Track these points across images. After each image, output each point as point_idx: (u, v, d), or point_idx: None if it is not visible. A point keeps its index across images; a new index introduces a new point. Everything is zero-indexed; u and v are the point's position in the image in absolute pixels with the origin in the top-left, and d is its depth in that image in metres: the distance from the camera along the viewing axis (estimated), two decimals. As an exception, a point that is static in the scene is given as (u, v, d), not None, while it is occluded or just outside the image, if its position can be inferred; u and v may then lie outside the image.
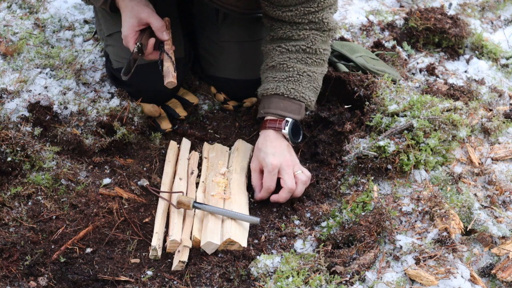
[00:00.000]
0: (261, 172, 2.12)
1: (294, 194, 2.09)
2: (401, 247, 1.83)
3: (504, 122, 2.33)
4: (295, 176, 2.09)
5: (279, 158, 2.09)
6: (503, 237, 1.89)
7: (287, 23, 2.17)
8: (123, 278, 1.84)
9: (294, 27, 2.17)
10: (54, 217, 2.00)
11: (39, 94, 2.35)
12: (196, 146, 2.37)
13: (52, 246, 1.91)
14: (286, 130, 2.14)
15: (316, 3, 2.12)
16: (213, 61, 2.47)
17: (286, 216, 2.10)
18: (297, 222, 2.07)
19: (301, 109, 2.18)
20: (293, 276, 1.78)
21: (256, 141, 2.18)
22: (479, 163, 2.17)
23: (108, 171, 2.23)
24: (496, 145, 2.26)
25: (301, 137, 2.24)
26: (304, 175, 2.11)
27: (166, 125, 2.41)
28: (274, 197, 2.09)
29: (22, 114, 2.25)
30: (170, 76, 2.03)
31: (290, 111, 2.16)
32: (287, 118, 2.15)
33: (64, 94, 2.39)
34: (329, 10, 2.18)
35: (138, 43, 2.04)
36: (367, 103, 2.35)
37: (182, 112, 2.45)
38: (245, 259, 1.90)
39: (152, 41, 2.08)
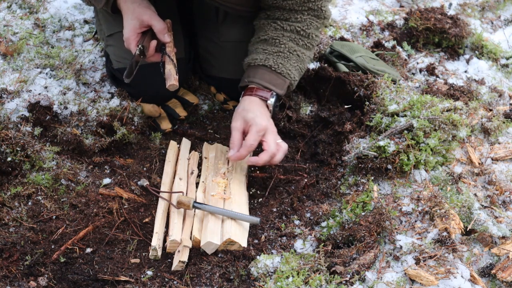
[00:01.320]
0: (243, 132, 2.12)
1: (273, 161, 2.10)
2: (401, 247, 1.83)
3: (504, 122, 2.33)
4: (277, 143, 2.11)
5: (266, 122, 2.11)
6: (503, 237, 1.89)
7: (286, 9, 2.21)
8: (123, 278, 1.84)
9: (292, 11, 2.21)
10: (54, 217, 2.00)
11: (39, 94, 2.35)
12: (196, 146, 2.37)
13: (52, 246, 1.91)
14: (271, 101, 2.17)
15: None
16: (213, 61, 2.47)
17: (286, 216, 2.10)
18: (297, 222, 2.07)
19: (285, 85, 2.22)
20: (293, 276, 1.78)
21: (240, 104, 2.18)
22: (479, 163, 2.17)
23: (108, 171, 2.23)
24: (496, 145, 2.26)
25: (275, 112, 2.26)
26: (285, 144, 2.14)
27: (166, 125, 2.42)
28: (253, 159, 2.10)
29: (22, 114, 2.25)
30: (172, 79, 2.03)
31: (275, 84, 2.19)
32: (272, 91, 2.18)
33: (64, 94, 2.39)
34: (325, 0, 2.24)
35: (140, 45, 2.04)
36: (367, 103, 2.35)
37: (182, 112, 2.45)
38: (245, 259, 1.90)
39: (154, 43, 2.08)
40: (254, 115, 2.11)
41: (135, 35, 2.07)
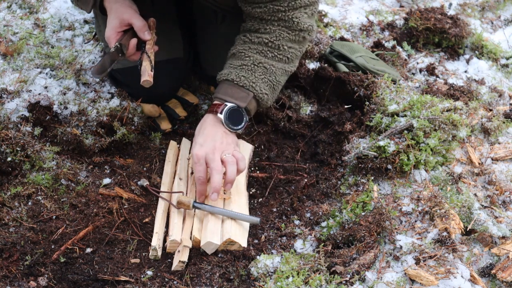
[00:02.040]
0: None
1: (226, 177, 2.01)
2: (401, 247, 1.83)
3: (504, 122, 2.33)
4: (222, 159, 2.02)
5: (206, 147, 2.03)
6: (503, 237, 1.89)
7: (257, 18, 2.19)
8: (123, 278, 1.84)
9: (262, 22, 2.18)
10: (54, 217, 2.00)
11: (39, 94, 2.35)
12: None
13: (52, 246, 1.91)
14: (221, 115, 2.10)
15: (286, 2, 2.12)
16: (212, 61, 2.47)
17: (286, 216, 2.10)
18: (297, 222, 2.07)
19: (248, 98, 2.14)
20: (293, 276, 1.78)
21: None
22: (479, 163, 2.17)
23: (108, 171, 2.23)
24: (496, 145, 2.26)
25: (242, 125, 2.16)
26: (231, 156, 2.03)
27: (166, 125, 2.42)
28: (212, 197, 2.00)
29: (22, 114, 2.25)
30: (146, 75, 2.02)
31: (237, 98, 2.14)
32: (226, 103, 2.12)
33: (64, 94, 2.39)
34: (303, 10, 2.17)
35: (117, 43, 2.04)
36: (367, 103, 2.35)
37: (182, 113, 2.45)
38: (245, 259, 1.90)
39: (133, 41, 2.07)
40: (194, 143, 2.07)
41: (115, 33, 2.06)
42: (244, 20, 2.24)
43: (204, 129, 2.11)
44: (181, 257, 1.87)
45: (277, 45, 2.17)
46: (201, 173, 2.01)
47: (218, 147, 2.04)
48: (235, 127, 2.13)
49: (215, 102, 2.16)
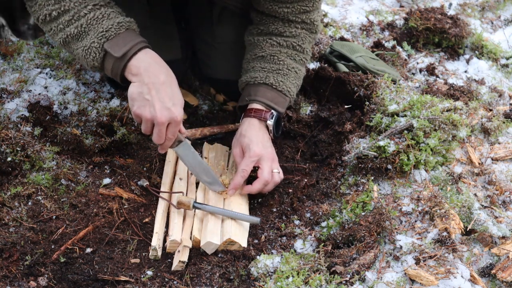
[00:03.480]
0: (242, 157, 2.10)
1: (264, 190, 2.07)
2: (401, 247, 1.83)
3: (504, 122, 2.33)
4: (272, 173, 2.07)
5: (262, 148, 2.07)
6: (503, 237, 1.89)
7: (280, 20, 2.18)
8: (123, 278, 1.84)
9: (286, 24, 2.18)
10: (54, 217, 2.00)
11: (39, 94, 2.35)
12: (196, 146, 2.37)
13: (52, 246, 1.91)
14: (271, 122, 2.13)
15: (312, 2, 2.14)
16: (210, 62, 2.47)
17: (286, 216, 2.10)
18: (297, 222, 2.07)
19: (286, 103, 2.18)
20: (293, 276, 1.78)
21: (239, 128, 2.15)
22: (479, 163, 2.17)
23: (108, 171, 2.23)
24: (496, 145, 2.26)
25: (280, 131, 2.23)
26: (279, 176, 2.10)
27: (166, 125, 2.41)
28: (247, 188, 2.07)
29: (22, 114, 2.25)
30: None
31: (276, 103, 2.15)
32: (272, 110, 2.15)
33: (64, 94, 2.39)
34: (318, 13, 2.20)
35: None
36: (367, 103, 2.35)
37: (182, 114, 2.45)
38: (245, 259, 1.90)
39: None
40: (249, 141, 2.08)
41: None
42: (260, 23, 2.22)
43: (254, 130, 2.10)
44: (181, 257, 1.87)
45: (303, 49, 2.20)
46: (248, 168, 2.04)
47: (271, 154, 2.10)
48: (277, 134, 2.21)
49: (256, 107, 2.14)
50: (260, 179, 2.05)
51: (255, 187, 2.05)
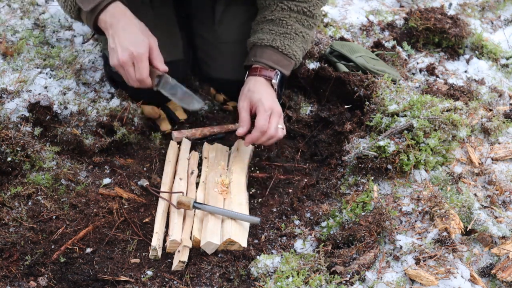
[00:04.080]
0: (251, 111, 2.16)
1: (267, 142, 2.14)
2: (401, 247, 1.83)
3: (504, 122, 2.33)
4: (277, 128, 2.13)
5: (272, 102, 2.14)
6: (503, 237, 1.89)
7: None
8: (123, 278, 1.84)
9: None
10: (54, 217, 2.00)
11: (39, 94, 2.35)
12: (196, 146, 2.37)
13: (52, 246, 1.91)
14: (276, 81, 2.19)
15: None
16: (211, 62, 2.47)
17: (286, 216, 2.10)
18: (297, 222, 2.07)
19: (290, 66, 2.25)
20: (293, 276, 1.78)
21: (245, 85, 2.20)
22: (479, 163, 2.17)
23: (108, 171, 2.23)
24: (496, 145, 2.26)
25: (282, 94, 2.31)
26: (282, 132, 2.16)
27: (165, 126, 2.41)
28: (248, 138, 2.13)
29: (22, 114, 2.24)
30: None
31: (282, 65, 2.22)
32: (277, 71, 2.20)
33: (64, 94, 2.39)
34: None
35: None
36: (367, 103, 2.35)
37: (181, 115, 2.45)
38: (245, 259, 1.90)
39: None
40: (260, 95, 2.13)
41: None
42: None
43: (262, 87, 2.17)
44: (181, 257, 1.87)
45: (313, 14, 2.25)
46: (267, 123, 2.10)
47: (279, 109, 2.16)
48: (281, 93, 2.28)
49: (261, 67, 2.21)
50: (258, 129, 2.10)
51: (254, 135, 2.11)
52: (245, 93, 2.18)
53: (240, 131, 2.14)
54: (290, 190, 2.19)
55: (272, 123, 2.11)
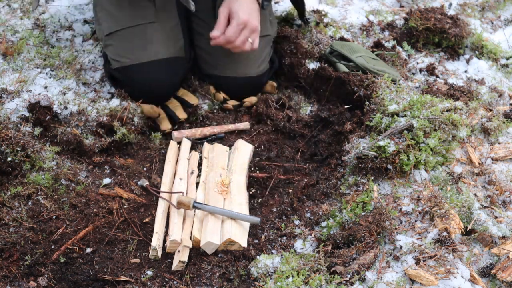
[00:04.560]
0: (227, 19, 2.21)
1: (232, 48, 2.22)
2: (401, 247, 1.83)
3: (504, 122, 2.33)
4: (244, 40, 2.21)
5: (248, 16, 2.19)
6: (503, 237, 1.89)
7: None
8: (123, 278, 1.84)
9: None
10: (54, 217, 2.00)
11: (39, 94, 2.35)
12: (196, 146, 2.37)
13: (52, 246, 1.91)
14: None
15: None
16: (211, 59, 2.47)
17: (286, 216, 2.10)
18: (297, 222, 2.07)
19: None
20: (293, 276, 1.78)
21: None
22: (479, 163, 2.17)
23: (108, 171, 2.23)
24: (496, 145, 2.26)
25: (270, 2, 2.36)
26: (250, 46, 2.23)
27: (165, 125, 2.41)
28: (213, 41, 2.20)
29: (22, 114, 2.25)
30: None
31: None
32: None
33: (64, 94, 2.39)
34: None
35: None
36: (367, 103, 2.35)
37: (181, 115, 2.45)
38: (245, 259, 1.90)
39: None
40: (239, 7, 2.19)
41: None
42: None
43: (245, 4, 2.21)
44: (181, 257, 1.87)
45: None
46: (235, 36, 2.19)
47: (255, 26, 2.22)
48: (264, 8, 2.33)
49: None
50: (227, 39, 2.19)
51: (221, 41, 2.20)
52: (228, 1, 2.23)
53: (213, 33, 2.21)
54: (290, 190, 2.19)
55: (241, 37, 2.18)
